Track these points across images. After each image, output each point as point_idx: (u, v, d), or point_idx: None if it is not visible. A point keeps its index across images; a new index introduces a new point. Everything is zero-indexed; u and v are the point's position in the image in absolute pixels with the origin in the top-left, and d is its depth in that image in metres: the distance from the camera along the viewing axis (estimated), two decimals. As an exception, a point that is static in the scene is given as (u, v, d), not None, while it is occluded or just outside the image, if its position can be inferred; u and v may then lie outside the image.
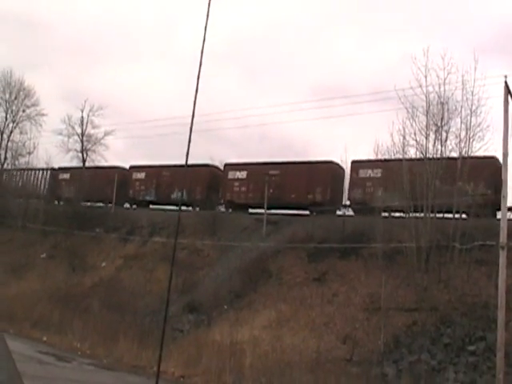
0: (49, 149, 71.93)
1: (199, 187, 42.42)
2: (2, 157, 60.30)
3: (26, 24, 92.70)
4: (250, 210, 40.75)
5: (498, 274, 18.28)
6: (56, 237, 44.46)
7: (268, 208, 37.46)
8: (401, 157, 29.74)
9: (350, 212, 37.25)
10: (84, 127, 56.33)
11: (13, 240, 45.33)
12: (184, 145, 7.72)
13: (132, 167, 49.65)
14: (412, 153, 29.53)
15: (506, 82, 18.89)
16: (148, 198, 46.40)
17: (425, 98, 28.64)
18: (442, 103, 28.53)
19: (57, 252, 43.35)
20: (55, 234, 44.39)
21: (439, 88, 28.29)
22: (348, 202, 37.54)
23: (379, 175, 34.94)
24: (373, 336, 24.41)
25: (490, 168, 29.02)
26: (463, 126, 28.20)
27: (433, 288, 25.43)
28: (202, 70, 7.03)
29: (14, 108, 61.07)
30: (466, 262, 25.39)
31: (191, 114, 7.14)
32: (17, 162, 57.72)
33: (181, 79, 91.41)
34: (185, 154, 7.75)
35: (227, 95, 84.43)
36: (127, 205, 49.08)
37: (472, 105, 27.82)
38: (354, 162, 37.03)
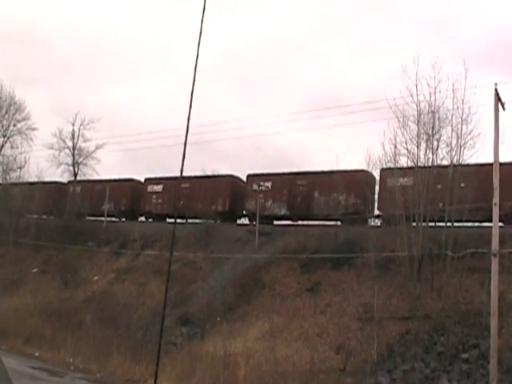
0: (40, 163, 71.52)
1: (124, 199, 47.18)
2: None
3: (20, 39, 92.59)
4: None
5: (490, 281, 18.31)
6: (48, 251, 44.25)
7: (180, 217, 41.75)
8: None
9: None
10: (75, 141, 56.23)
11: (4, 255, 45.04)
12: (177, 157, 7.75)
13: (69, 182, 53.25)
14: (403, 161, 29.59)
15: (496, 90, 18.97)
16: (83, 210, 47.82)
17: (416, 107, 28.72)
18: (433, 112, 28.57)
19: (49, 267, 43.17)
20: (47, 248, 44.19)
21: (430, 97, 28.39)
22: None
23: (270, 187, 39.05)
24: (366, 345, 24.36)
25: (360, 180, 33.49)
26: (454, 134, 28.21)
27: (426, 296, 25.41)
28: (196, 83, 7.03)
29: (4, 122, 60.80)
30: (458, 270, 25.37)
31: (185, 126, 7.14)
32: (8, 177, 57.35)
33: (175, 93, 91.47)
34: (178, 165, 7.78)
35: (221, 108, 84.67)
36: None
37: (463, 113, 27.84)
38: (249, 176, 41.42)
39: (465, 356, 22.03)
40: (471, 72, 27.69)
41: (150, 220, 45.86)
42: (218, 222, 40.55)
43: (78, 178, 54.39)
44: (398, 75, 28.64)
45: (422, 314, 24.57)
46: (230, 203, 41.38)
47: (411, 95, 28.41)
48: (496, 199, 18.66)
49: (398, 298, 26.32)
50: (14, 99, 59.93)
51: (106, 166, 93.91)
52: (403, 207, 29.03)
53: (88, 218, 47.86)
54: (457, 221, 27.14)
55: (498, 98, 19.15)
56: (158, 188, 45.27)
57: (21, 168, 56.20)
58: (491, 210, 19.21)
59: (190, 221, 42.00)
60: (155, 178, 46.57)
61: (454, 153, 28.19)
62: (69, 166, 55.54)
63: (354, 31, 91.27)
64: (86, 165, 55.62)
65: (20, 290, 39.38)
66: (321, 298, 28.69)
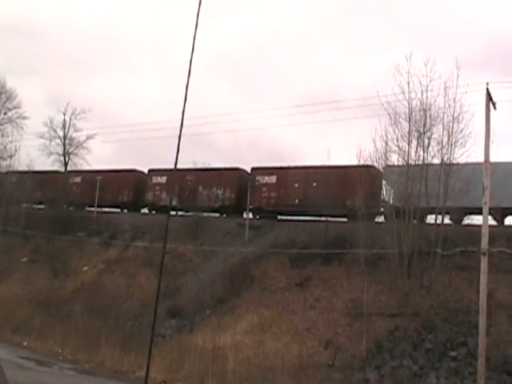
0: (31, 152, 71.14)
1: (50, 189, 50.67)
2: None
3: (15, 31, 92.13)
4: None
5: (479, 279, 18.42)
6: (37, 241, 44.15)
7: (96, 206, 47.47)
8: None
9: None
10: (66, 130, 56.11)
11: (-7, 244, 44.90)
12: (171, 149, 7.76)
13: (8, 172, 54.13)
14: (394, 159, 29.64)
15: (487, 89, 19.08)
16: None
17: (407, 105, 28.73)
18: (425, 110, 28.54)
19: (38, 256, 43.03)
20: (36, 237, 44.09)
21: (422, 95, 28.40)
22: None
23: (164, 181, 45.04)
24: (355, 341, 24.42)
25: (235, 177, 41.86)
26: (445, 132, 28.20)
27: (415, 293, 25.51)
28: (192, 77, 7.07)
29: (-5, 110, 60.40)
30: (447, 268, 25.48)
31: (180, 119, 7.18)
32: (-2, 165, 57.00)
33: (171, 86, 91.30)
34: (173, 157, 7.81)
35: (217, 102, 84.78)
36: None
37: (454, 111, 27.81)
38: (149, 171, 47.14)
39: (453, 354, 22.11)
40: (464, 73, 27.66)
41: (71, 208, 49.45)
42: (125, 211, 46.55)
43: (69, 168, 54.35)
44: (392, 73, 28.69)
45: (411, 310, 24.66)
46: (133, 195, 47.58)
47: (403, 92, 28.46)
48: (486, 198, 18.79)
49: (387, 294, 26.40)
50: (4, 87, 59.58)
51: (100, 157, 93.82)
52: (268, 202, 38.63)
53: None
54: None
55: (489, 98, 19.25)
56: (78, 179, 51.21)
57: (11, 157, 55.99)
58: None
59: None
60: (76, 171, 53.03)
61: (444, 151, 28.25)
62: (59, 155, 55.49)
63: (350, 29, 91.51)
64: (76, 155, 55.62)
65: (9, 278, 39.29)
66: (310, 293, 28.73)
